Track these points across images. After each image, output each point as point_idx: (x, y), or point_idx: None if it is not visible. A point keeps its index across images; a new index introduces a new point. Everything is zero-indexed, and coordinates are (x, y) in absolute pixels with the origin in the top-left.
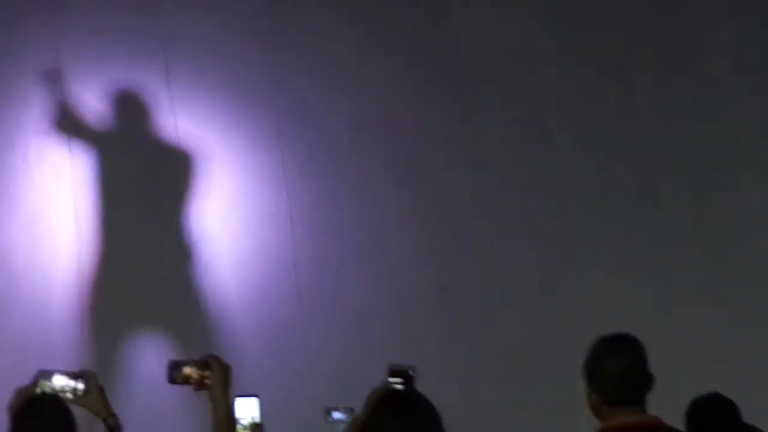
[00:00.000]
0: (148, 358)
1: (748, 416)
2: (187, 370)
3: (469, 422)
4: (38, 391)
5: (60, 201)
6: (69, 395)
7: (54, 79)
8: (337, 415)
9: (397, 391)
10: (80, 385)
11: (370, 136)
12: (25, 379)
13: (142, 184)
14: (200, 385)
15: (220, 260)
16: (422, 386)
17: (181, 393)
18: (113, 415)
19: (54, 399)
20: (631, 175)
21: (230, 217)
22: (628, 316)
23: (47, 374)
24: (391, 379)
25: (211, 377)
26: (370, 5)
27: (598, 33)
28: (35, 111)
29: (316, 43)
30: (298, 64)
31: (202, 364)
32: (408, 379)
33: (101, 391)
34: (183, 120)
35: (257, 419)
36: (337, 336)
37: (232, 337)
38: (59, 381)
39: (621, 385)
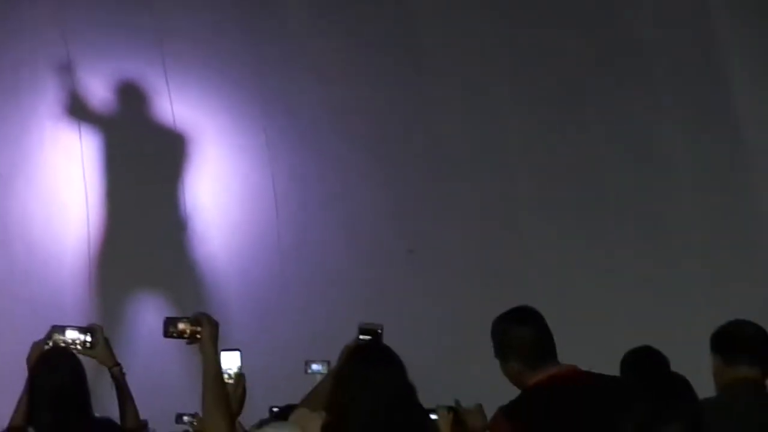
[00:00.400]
0: (148, 315)
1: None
2: (181, 326)
3: (432, 373)
4: (51, 344)
5: (71, 178)
6: (79, 347)
7: (65, 70)
8: (315, 366)
9: (366, 344)
10: (88, 338)
11: (344, 118)
12: (40, 334)
13: (143, 163)
14: (192, 338)
15: (211, 231)
16: (389, 339)
17: (176, 345)
18: (118, 365)
19: (66, 353)
20: (576, 156)
21: (220, 191)
22: (576, 284)
23: (60, 329)
24: (362, 337)
25: (201, 332)
26: (343, 4)
27: (549, 35)
28: (49, 99)
29: (297, 36)
30: (281, 55)
31: (194, 320)
32: (376, 336)
33: (107, 343)
34: (178, 105)
35: (239, 370)
36: (316, 297)
37: (222, 298)
38: (70, 334)
39: (537, 347)
